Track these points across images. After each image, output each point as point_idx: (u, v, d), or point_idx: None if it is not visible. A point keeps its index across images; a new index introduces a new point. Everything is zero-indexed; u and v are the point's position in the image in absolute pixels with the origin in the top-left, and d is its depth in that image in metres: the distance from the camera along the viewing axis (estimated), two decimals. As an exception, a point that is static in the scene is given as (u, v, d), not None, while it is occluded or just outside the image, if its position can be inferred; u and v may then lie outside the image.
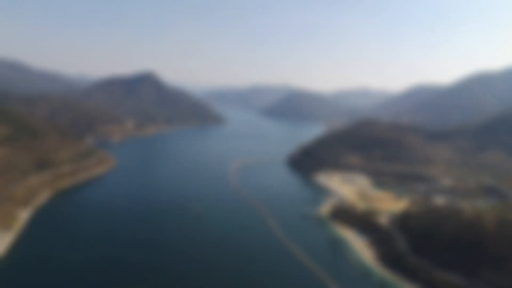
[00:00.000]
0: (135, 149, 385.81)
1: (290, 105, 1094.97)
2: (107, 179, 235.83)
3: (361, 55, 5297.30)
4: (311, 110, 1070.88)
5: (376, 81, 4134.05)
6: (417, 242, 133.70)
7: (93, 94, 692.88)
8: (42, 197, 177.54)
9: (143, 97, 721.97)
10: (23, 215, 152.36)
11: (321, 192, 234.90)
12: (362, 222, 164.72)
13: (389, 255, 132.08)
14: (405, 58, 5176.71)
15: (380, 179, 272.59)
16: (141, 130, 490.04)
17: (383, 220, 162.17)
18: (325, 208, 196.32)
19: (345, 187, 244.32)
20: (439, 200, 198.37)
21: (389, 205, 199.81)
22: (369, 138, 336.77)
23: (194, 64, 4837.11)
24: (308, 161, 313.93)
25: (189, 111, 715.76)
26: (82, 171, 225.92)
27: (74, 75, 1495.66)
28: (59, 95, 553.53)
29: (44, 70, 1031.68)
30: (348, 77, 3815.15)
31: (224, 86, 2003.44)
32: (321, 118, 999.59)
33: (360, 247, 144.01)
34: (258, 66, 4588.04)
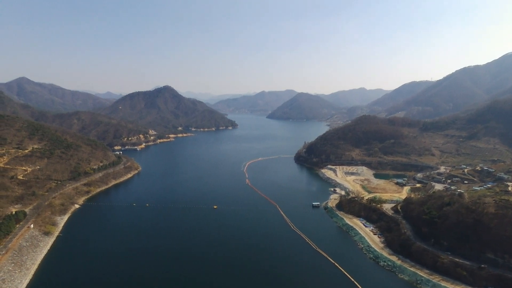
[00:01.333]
0: (157, 154, 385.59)
1: (295, 108, 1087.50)
2: (134, 182, 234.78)
3: (357, 59, 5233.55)
4: (314, 111, 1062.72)
5: (372, 81, 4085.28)
6: (421, 227, 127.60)
7: (119, 108, 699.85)
8: (77, 203, 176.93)
9: (162, 107, 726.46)
10: (61, 221, 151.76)
11: (328, 185, 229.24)
12: (368, 211, 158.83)
13: (395, 241, 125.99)
14: (399, 60, 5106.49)
15: (381, 171, 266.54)
16: (162, 137, 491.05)
17: (387, 208, 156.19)
18: (332, 199, 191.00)
19: (349, 179, 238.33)
20: (438, 187, 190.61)
21: (392, 194, 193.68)
22: (368, 133, 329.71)
23: (204, 76, 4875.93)
24: (313, 157, 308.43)
25: (204, 118, 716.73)
26: (111, 177, 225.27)
27: (102, 94, 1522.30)
28: (89, 111, 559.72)
29: (76, 90, 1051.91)
30: (346, 79, 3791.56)
31: (233, 94, 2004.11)
32: (323, 117, 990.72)
33: (368, 235, 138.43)
34: (264, 73, 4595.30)
